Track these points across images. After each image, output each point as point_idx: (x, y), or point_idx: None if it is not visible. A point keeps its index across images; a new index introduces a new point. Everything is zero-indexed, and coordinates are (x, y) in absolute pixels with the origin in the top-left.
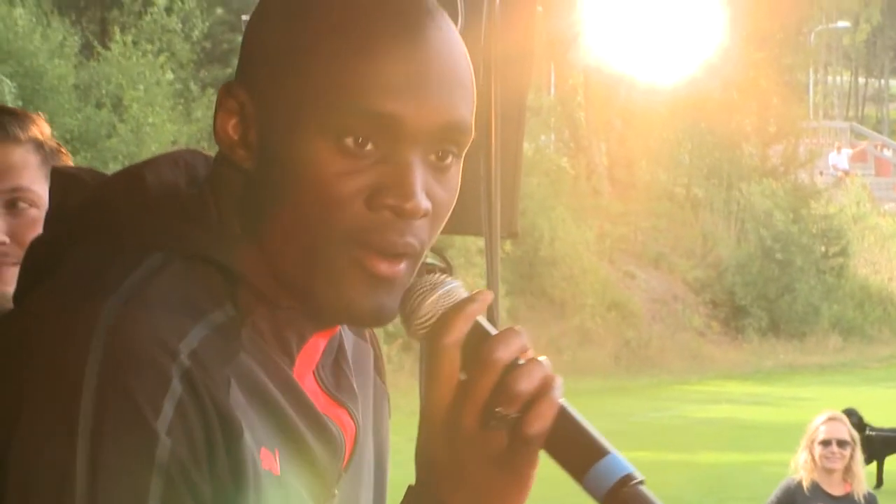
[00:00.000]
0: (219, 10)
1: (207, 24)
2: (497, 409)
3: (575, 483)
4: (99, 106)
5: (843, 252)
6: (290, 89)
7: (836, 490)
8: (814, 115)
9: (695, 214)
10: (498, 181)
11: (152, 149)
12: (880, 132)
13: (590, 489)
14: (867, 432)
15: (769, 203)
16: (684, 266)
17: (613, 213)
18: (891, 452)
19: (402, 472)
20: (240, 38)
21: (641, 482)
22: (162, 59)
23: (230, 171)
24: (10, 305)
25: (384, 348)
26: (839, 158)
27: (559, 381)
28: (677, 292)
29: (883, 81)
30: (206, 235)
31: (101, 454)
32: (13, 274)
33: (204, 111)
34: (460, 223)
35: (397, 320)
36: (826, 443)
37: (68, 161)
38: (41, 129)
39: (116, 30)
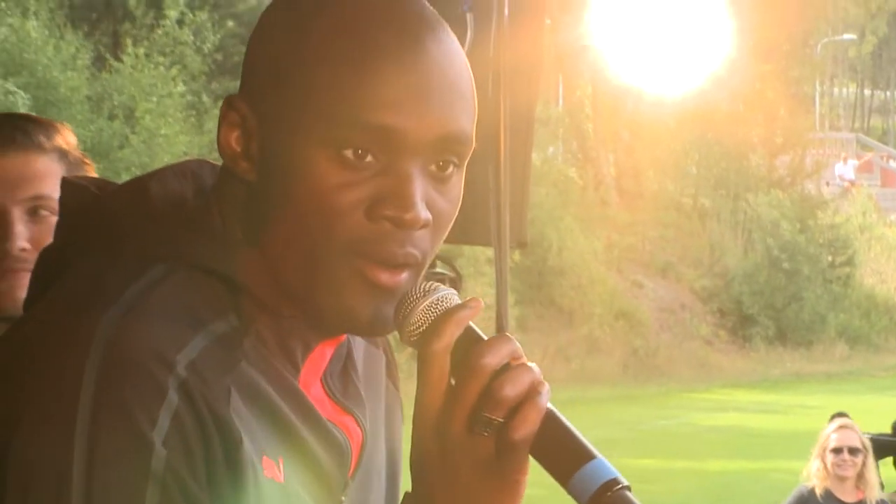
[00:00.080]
0: (230, 23)
1: (219, 36)
2: (484, 414)
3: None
4: (111, 117)
5: (850, 262)
6: (291, 102)
7: (849, 497)
8: (820, 127)
9: (702, 224)
10: (507, 192)
11: (164, 160)
12: (886, 143)
13: (574, 494)
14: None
15: (776, 213)
16: (692, 275)
17: (621, 223)
18: (881, 456)
19: None
20: None
21: (626, 487)
22: (174, 71)
23: (234, 182)
24: None
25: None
26: (845, 169)
27: (546, 388)
28: (685, 301)
29: (889, 93)
30: (208, 246)
31: (97, 464)
32: None
33: (215, 123)
34: (470, 233)
35: None
36: (838, 450)
37: (91, 172)
38: (66, 138)
39: (129, 42)
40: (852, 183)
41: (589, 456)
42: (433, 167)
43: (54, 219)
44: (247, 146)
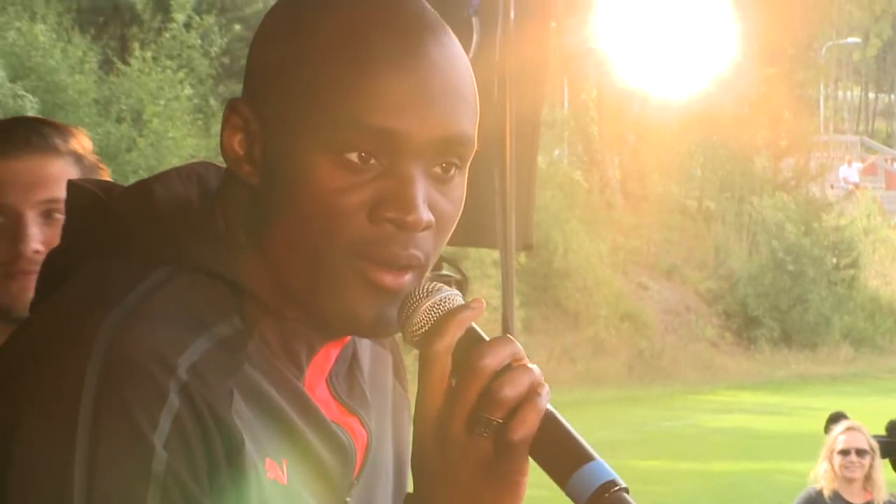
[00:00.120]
0: (237, 27)
1: (226, 40)
2: (483, 415)
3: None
4: (119, 120)
5: (854, 264)
6: (293, 105)
7: (857, 499)
8: (824, 130)
9: (707, 227)
10: (513, 194)
11: (172, 162)
12: (890, 146)
13: (572, 495)
14: None
15: (781, 215)
16: (697, 278)
17: (626, 225)
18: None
19: None
20: None
21: (624, 489)
22: (181, 74)
23: (237, 185)
24: None
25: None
26: (850, 172)
27: (546, 389)
28: (690, 303)
29: (893, 96)
30: (212, 249)
31: (99, 466)
32: None
33: None
34: (476, 236)
35: None
36: (845, 452)
37: (106, 176)
38: (81, 143)
39: (136, 46)
40: (856, 185)
41: (587, 457)
42: (436, 169)
43: None
44: (249, 149)
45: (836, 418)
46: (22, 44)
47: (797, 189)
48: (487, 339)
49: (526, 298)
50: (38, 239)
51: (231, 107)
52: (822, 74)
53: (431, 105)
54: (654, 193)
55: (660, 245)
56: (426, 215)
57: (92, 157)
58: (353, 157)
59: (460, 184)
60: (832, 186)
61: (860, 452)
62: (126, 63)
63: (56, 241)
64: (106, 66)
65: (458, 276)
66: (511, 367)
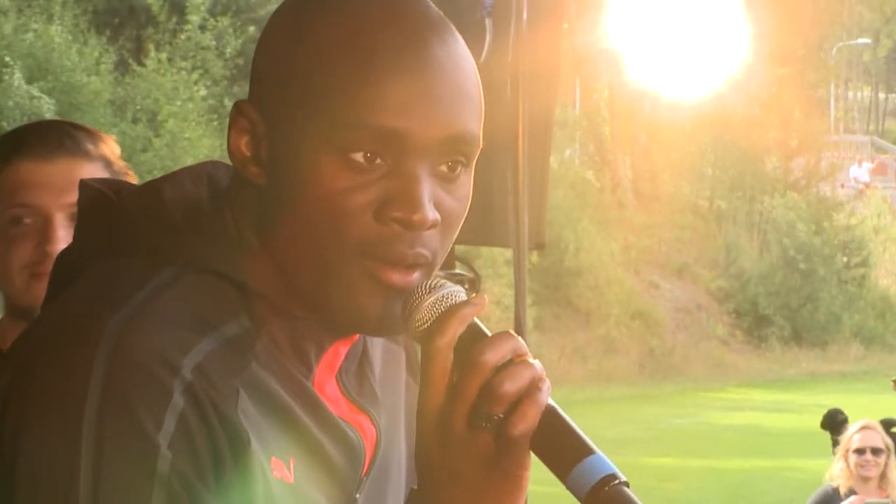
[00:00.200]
0: (251, 29)
1: (240, 41)
2: (484, 410)
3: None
4: (134, 121)
5: (865, 262)
6: (298, 106)
7: (873, 497)
8: (835, 130)
9: (718, 226)
10: (525, 194)
11: (188, 163)
12: None
13: (572, 488)
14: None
15: (792, 215)
16: (708, 276)
17: (638, 224)
18: None
19: None
20: None
21: (624, 483)
22: (196, 75)
23: (245, 186)
24: None
25: None
26: (860, 171)
27: (547, 384)
28: (701, 302)
29: None
30: (219, 249)
31: (104, 466)
32: None
33: None
34: (488, 235)
35: None
36: (860, 451)
37: (133, 181)
38: (111, 148)
39: (151, 47)
40: (867, 185)
41: (587, 451)
42: (442, 168)
43: None
44: (256, 151)
45: (833, 415)
46: (39, 45)
47: (808, 188)
48: (489, 334)
49: (538, 297)
50: (66, 241)
51: (237, 109)
52: (833, 75)
53: (436, 104)
54: (666, 193)
55: (671, 244)
56: (432, 214)
57: (121, 163)
58: (359, 157)
59: (466, 182)
60: (842, 186)
61: (875, 451)
62: (141, 64)
63: None
64: (121, 67)
65: (470, 275)
66: (512, 363)
